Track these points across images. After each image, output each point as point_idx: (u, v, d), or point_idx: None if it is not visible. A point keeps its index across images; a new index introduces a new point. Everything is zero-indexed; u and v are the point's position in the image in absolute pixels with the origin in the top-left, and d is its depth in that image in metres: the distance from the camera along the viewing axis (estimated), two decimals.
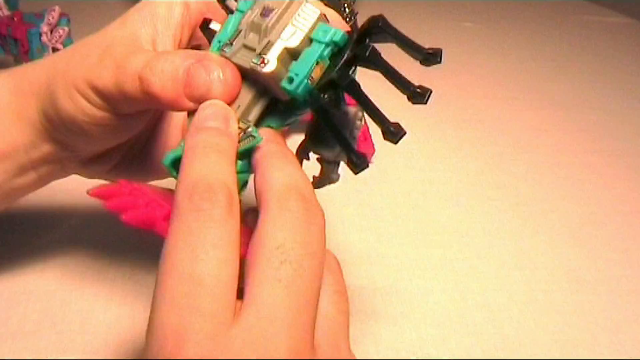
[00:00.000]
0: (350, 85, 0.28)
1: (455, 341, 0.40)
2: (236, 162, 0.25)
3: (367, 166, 0.29)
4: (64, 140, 0.32)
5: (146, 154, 0.35)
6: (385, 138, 0.28)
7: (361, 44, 0.27)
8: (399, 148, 0.60)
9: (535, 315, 0.43)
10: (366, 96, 0.28)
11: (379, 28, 0.28)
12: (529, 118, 0.68)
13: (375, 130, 0.57)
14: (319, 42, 0.25)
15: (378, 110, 0.29)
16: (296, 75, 0.25)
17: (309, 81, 0.25)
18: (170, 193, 0.26)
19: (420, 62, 0.28)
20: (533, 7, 1.00)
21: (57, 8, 0.60)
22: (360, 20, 0.63)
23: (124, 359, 0.36)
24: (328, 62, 0.26)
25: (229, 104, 0.26)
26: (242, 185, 0.26)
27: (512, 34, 0.90)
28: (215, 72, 0.26)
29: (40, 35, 0.59)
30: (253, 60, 0.25)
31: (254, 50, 0.26)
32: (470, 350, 0.40)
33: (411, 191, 0.54)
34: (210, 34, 0.29)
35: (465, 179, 0.56)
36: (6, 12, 0.62)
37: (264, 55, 0.25)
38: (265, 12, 0.26)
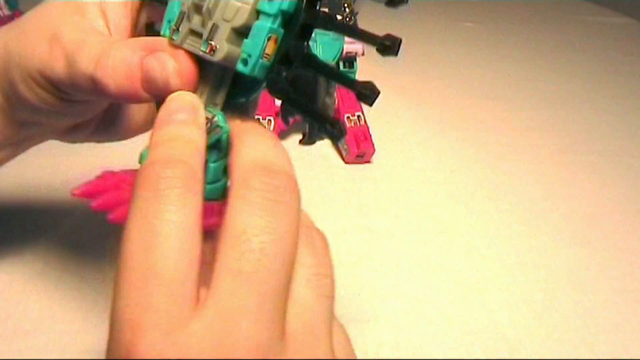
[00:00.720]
0: (306, 60, 0.24)
1: (455, 341, 0.40)
2: (207, 154, 0.23)
3: (344, 132, 0.26)
4: (33, 119, 0.31)
5: (123, 113, 0.35)
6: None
7: (313, 9, 0.24)
8: (398, 148, 0.60)
9: (535, 315, 0.43)
10: (326, 64, 0.25)
11: None
12: (529, 118, 0.68)
13: (375, 131, 0.57)
14: (267, 14, 0.23)
15: (342, 75, 0.25)
16: (249, 56, 0.23)
17: (265, 59, 0.23)
18: None
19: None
20: (533, 7, 1.00)
21: None
22: (361, 20, 0.64)
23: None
24: (282, 32, 0.23)
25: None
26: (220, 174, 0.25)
27: (512, 34, 0.90)
28: (169, 64, 0.24)
29: None
30: (202, 48, 0.24)
31: (201, 35, 0.24)
32: (470, 350, 0.40)
33: (410, 191, 0.54)
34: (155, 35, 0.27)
35: (464, 178, 0.56)
36: (6, 11, 0.62)
37: (211, 42, 0.23)
38: None
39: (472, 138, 0.63)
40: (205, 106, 0.25)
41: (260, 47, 0.23)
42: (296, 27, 0.23)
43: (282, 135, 0.58)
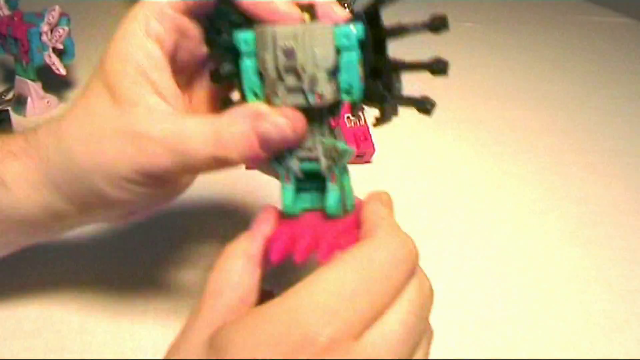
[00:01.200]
0: (392, 66, 0.28)
1: (454, 341, 0.40)
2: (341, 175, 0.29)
3: (433, 105, 0.30)
4: (97, 212, 0.32)
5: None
6: (433, 74, 0.29)
7: (378, 27, 0.28)
8: (398, 148, 0.60)
9: (535, 315, 0.43)
10: (403, 62, 0.29)
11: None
12: (529, 118, 0.68)
13: (375, 131, 0.57)
14: (349, 49, 0.26)
15: (416, 63, 0.30)
16: (351, 86, 0.27)
17: (362, 83, 0.27)
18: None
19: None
20: (533, 7, 1.00)
21: (57, 8, 0.60)
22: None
23: (123, 358, 0.36)
24: (361, 54, 0.27)
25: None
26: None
27: (512, 34, 0.90)
28: (282, 123, 0.27)
29: (41, 34, 0.59)
30: (309, 99, 0.27)
31: (301, 89, 0.27)
32: (470, 350, 0.40)
33: (410, 191, 0.54)
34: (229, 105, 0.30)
35: (464, 178, 0.56)
36: (6, 11, 0.62)
37: (316, 90, 0.27)
38: (288, 53, 0.27)
39: (472, 138, 0.63)
40: (319, 140, 0.28)
41: (357, 77, 0.27)
42: (369, 44, 0.27)
43: None
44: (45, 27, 0.60)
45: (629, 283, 0.47)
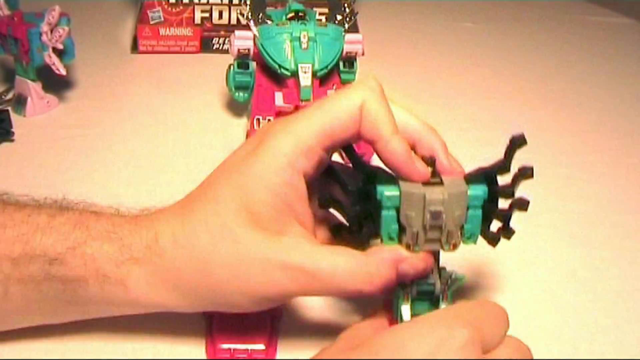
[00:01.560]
0: (499, 215, 0.35)
1: None
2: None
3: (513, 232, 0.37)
4: None
5: None
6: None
7: (491, 186, 0.35)
8: None
9: (535, 315, 0.43)
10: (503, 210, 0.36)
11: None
12: (529, 118, 0.68)
13: None
14: (476, 207, 0.33)
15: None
16: (472, 234, 0.34)
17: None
18: None
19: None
20: (533, 7, 1.00)
21: (57, 8, 0.60)
22: (361, 20, 0.63)
23: (123, 358, 0.36)
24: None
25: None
26: None
27: (512, 34, 0.90)
28: (420, 266, 0.32)
29: (41, 34, 0.59)
30: (445, 248, 0.33)
31: (438, 239, 0.33)
32: None
33: None
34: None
35: None
36: (6, 11, 0.62)
37: (451, 241, 0.33)
38: (436, 216, 0.31)
39: (472, 138, 0.63)
40: (436, 268, 0.35)
41: (479, 228, 0.34)
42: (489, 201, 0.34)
43: None
44: (45, 27, 0.60)
45: (629, 283, 0.47)
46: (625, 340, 0.42)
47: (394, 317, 0.37)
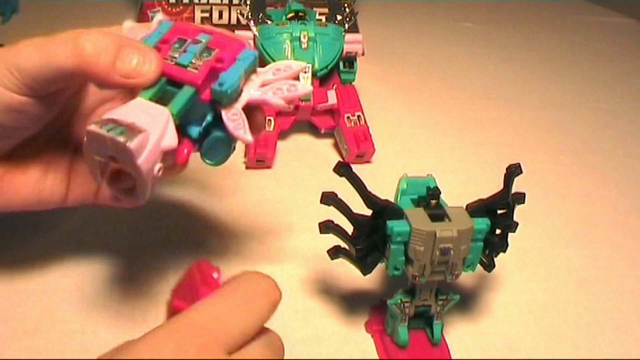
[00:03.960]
0: (498, 245, 0.37)
1: (455, 341, 0.40)
2: None
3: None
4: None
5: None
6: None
7: (493, 218, 0.35)
8: (398, 149, 0.60)
9: (535, 315, 0.43)
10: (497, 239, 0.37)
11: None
12: (528, 118, 0.68)
13: (375, 131, 0.57)
14: (478, 240, 0.34)
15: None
16: (472, 263, 0.35)
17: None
18: None
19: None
20: (533, 7, 1.00)
21: None
22: (361, 20, 0.64)
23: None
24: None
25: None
26: None
27: (512, 34, 0.90)
28: (147, 55, 0.30)
29: None
30: (448, 277, 0.35)
31: (442, 272, 0.34)
32: (470, 350, 0.40)
33: None
34: None
35: (464, 178, 0.56)
36: None
37: (455, 272, 0.34)
38: (445, 252, 0.33)
39: (472, 138, 0.63)
40: (434, 292, 0.37)
41: (479, 258, 0.36)
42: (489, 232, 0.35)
43: (282, 135, 0.58)
44: None
45: (629, 283, 0.47)
46: (625, 340, 0.42)
47: (387, 332, 0.38)
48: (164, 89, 0.31)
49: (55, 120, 0.35)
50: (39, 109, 0.32)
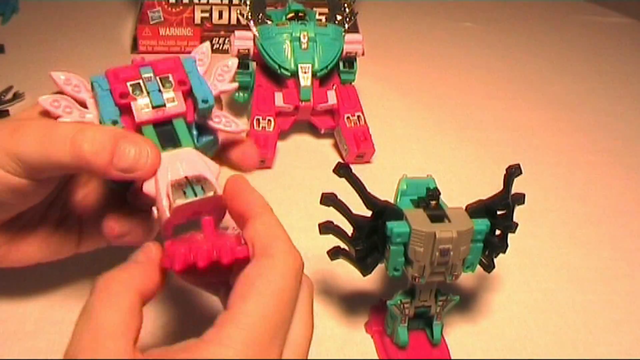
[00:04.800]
0: (498, 245, 0.37)
1: (454, 341, 0.40)
2: None
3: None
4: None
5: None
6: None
7: (492, 219, 0.36)
8: (398, 149, 0.60)
9: (535, 315, 0.43)
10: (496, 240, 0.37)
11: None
12: (529, 118, 0.68)
13: (375, 131, 0.57)
14: (479, 241, 0.34)
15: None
16: (472, 263, 0.35)
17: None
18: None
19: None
20: (533, 7, 1.00)
21: None
22: (361, 20, 0.63)
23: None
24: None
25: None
26: None
27: (512, 34, 0.90)
28: (143, 147, 0.30)
29: None
30: (448, 278, 0.35)
31: (443, 272, 0.34)
32: (470, 350, 0.40)
33: None
34: None
35: (464, 178, 0.56)
36: None
37: (454, 273, 0.34)
38: (444, 253, 0.33)
39: (472, 138, 0.63)
40: (434, 293, 0.37)
41: (479, 258, 0.36)
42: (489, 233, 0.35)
43: (282, 135, 0.58)
44: None
45: (628, 283, 0.47)
46: (625, 340, 0.42)
47: (386, 333, 0.38)
48: (158, 133, 0.32)
49: (53, 190, 0.36)
50: (38, 188, 0.32)
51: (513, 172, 0.36)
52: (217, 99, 0.35)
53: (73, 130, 0.30)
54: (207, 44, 0.36)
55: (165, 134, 0.32)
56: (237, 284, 0.27)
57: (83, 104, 0.32)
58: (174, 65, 0.33)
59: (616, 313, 0.44)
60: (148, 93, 0.32)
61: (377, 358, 0.39)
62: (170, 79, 0.32)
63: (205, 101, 0.32)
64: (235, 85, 0.36)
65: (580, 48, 0.88)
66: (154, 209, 0.31)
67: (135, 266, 0.29)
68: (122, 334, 0.25)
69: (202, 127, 0.34)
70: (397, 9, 0.94)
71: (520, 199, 0.37)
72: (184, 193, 0.30)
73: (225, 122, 0.34)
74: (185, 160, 0.31)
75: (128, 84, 0.32)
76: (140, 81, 0.32)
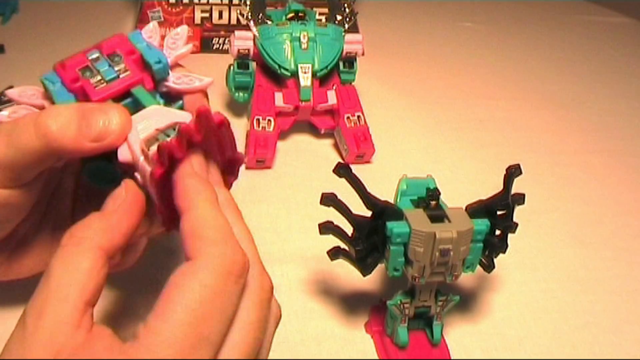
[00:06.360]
0: (498, 246, 0.37)
1: (454, 341, 0.40)
2: None
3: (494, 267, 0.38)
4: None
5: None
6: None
7: (492, 219, 0.36)
8: (398, 149, 0.60)
9: (535, 315, 0.43)
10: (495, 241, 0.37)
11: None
12: (529, 118, 0.68)
13: (375, 131, 0.57)
14: (479, 241, 0.34)
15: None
16: (472, 264, 0.36)
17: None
18: None
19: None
20: (533, 7, 1.00)
21: None
22: (361, 20, 0.63)
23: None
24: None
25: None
26: None
27: (512, 34, 0.90)
28: (110, 111, 0.29)
29: None
30: (448, 278, 0.35)
31: (441, 273, 0.34)
32: (470, 351, 0.40)
33: None
34: None
35: (464, 178, 0.56)
36: None
37: (454, 273, 0.34)
38: (444, 253, 0.33)
39: (472, 138, 0.63)
40: (434, 293, 0.37)
41: (479, 259, 0.36)
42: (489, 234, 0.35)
43: (282, 135, 0.58)
44: None
45: (629, 283, 0.47)
46: (625, 340, 0.42)
47: (387, 333, 0.38)
48: (122, 104, 0.31)
49: (41, 198, 0.35)
50: (23, 195, 0.31)
51: (513, 172, 0.36)
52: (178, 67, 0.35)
53: (35, 115, 0.29)
54: (155, 22, 0.36)
55: (128, 107, 0.31)
56: (164, 289, 0.25)
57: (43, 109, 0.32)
58: (119, 41, 0.33)
59: (616, 313, 0.44)
60: (99, 72, 0.32)
61: (377, 358, 0.39)
62: (118, 52, 0.32)
63: (158, 62, 0.32)
64: (190, 46, 0.35)
65: (580, 48, 0.88)
66: (136, 174, 0.29)
67: (100, 220, 0.27)
68: (71, 298, 0.24)
69: (169, 96, 0.34)
70: (397, 9, 0.94)
71: (520, 199, 0.37)
72: (158, 141, 0.28)
73: (187, 81, 0.34)
74: (153, 116, 0.30)
75: (77, 69, 0.32)
76: (89, 64, 0.32)
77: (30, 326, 0.24)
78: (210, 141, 0.29)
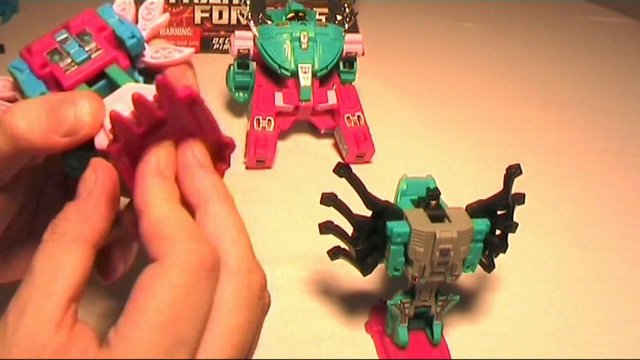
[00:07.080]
0: (498, 246, 0.37)
1: (454, 341, 0.40)
2: None
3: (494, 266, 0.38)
4: None
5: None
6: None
7: (492, 219, 0.36)
8: (398, 148, 0.60)
9: (535, 315, 0.43)
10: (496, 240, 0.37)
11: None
12: (529, 118, 0.68)
13: (375, 131, 0.57)
14: (479, 241, 0.34)
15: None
16: (472, 263, 0.36)
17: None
18: None
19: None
20: (533, 7, 1.00)
21: None
22: (361, 20, 0.63)
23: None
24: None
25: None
26: None
27: (512, 34, 0.90)
28: (80, 101, 0.26)
29: None
30: (448, 278, 0.35)
31: (441, 273, 0.34)
32: (470, 350, 0.40)
33: None
34: None
35: (464, 179, 0.56)
36: None
37: (454, 273, 0.34)
38: (444, 253, 0.33)
39: (472, 138, 0.63)
40: (434, 293, 0.37)
41: (479, 258, 0.36)
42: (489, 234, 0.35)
43: (282, 135, 0.58)
44: None
45: (629, 283, 0.47)
46: (625, 340, 0.42)
47: (387, 333, 0.38)
48: (96, 88, 0.29)
49: (27, 201, 0.33)
50: (5, 198, 0.30)
51: (513, 172, 0.36)
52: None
53: (0, 113, 0.27)
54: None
55: (103, 89, 0.29)
56: (132, 294, 0.24)
57: (14, 101, 0.30)
58: (88, 18, 0.30)
59: (616, 313, 0.44)
60: (69, 54, 0.29)
61: (377, 358, 0.39)
62: (88, 30, 0.30)
63: (131, 36, 0.30)
64: (167, 15, 0.33)
65: (580, 48, 0.88)
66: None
67: (76, 209, 0.26)
68: (54, 295, 0.24)
69: (148, 73, 0.31)
70: (397, 9, 0.94)
71: (520, 199, 0.37)
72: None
73: (166, 54, 0.31)
74: (128, 95, 0.26)
75: (45, 53, 0.29)
76: (57, 46, 0.29)
77: (12, 325, 0.23)
78: (187, 122, 0.27)
